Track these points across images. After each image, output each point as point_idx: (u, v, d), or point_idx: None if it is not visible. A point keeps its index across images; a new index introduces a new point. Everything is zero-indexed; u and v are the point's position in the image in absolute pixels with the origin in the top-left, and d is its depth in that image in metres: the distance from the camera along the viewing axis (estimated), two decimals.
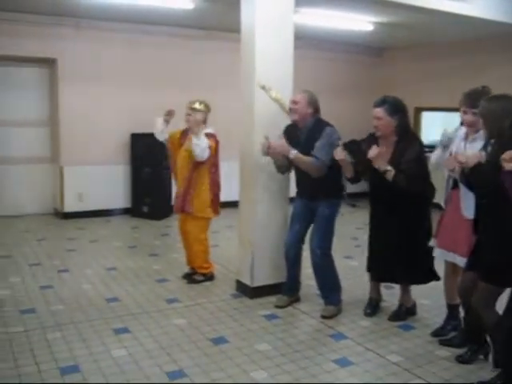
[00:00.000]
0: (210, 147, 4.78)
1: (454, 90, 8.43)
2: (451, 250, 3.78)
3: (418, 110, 9.40)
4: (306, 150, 4.15)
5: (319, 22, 7.22)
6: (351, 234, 7.20)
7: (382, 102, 3.99)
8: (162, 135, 5.12)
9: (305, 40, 8.65)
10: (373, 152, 3.84)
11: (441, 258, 3.95)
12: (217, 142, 4.94)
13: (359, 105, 8.84)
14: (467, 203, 3.57)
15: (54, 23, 7.27)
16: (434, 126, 9.47)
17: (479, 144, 3.48)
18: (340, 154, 3.99)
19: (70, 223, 7.50)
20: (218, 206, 5.10)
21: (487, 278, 3.17)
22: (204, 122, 4.94)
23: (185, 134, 5.03)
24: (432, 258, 4.08)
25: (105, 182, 7.93)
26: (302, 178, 4.37)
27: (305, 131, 4.28)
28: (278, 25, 4.51)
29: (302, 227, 4.45)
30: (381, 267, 4.31)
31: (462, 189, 3.57)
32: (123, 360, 3.55)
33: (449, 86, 8.68)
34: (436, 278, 4.22)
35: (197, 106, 4.90)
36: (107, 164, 7.94)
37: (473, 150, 3.40)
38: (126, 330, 4.02)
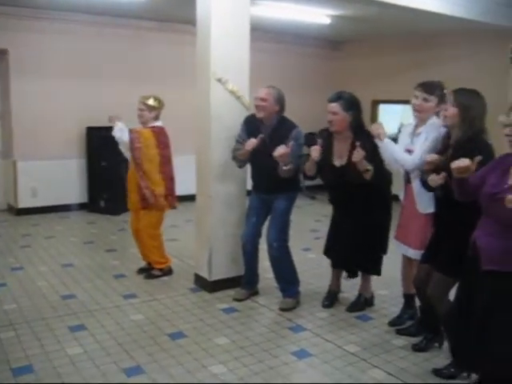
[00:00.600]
0: (136, 131, 4.73)
1: (411, 83, 8.62)
2: (405, 242, 3.83)
3: (375, 103, 9.51)
4: (269, 147, 4.09)
5: (276, 14, 7.19)
6: (310, 227, 7.25)
7: (337, 98, 3.99)
8: (123, 145, 4.95)
9: (261, 32, 8.63)
10: (359, 154, 3.77)
11: (397, 250, 4.01)
12: (159, 133, 4.85)
13: (317, 98, 8.77)
14: (420, 198, 3.63)
15: (4, 13, 7.03)
16: (393, 119, 9.62)
17: (422, 137, 3.56)
18: (316, 153, 4.01)
19: (24, 219, 7.31)
20: (174, 199, 5.05)
21: (443, 269, 3.23)
22: (157, 118, 4.87)
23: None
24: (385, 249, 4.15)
25: (60, 177, 7.75)
26: (259, 172, 4.36)
27: (269, 128, 4.23)
28: (235, 16, 4.48)
29: (259, 220, 4.44)
30: (341, 255, 4.32)
31: (416, 185, 3.62)
32: (78, 358, 3.48)
33: (405, 79, 8.78)
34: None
35: (151, 102, 4.82)
36: (62, 158, 7.76)
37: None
38: (82, 328, 3.94)
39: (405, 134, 3.84)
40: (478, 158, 2.70)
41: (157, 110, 4.84)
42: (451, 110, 3.19)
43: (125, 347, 3.65)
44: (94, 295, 4.60)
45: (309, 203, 8.95)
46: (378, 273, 4.31)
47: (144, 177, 4.81)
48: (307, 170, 4.20)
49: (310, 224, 7.42)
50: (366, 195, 4.04)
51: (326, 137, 4.13)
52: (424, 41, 8.58)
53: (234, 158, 4.42)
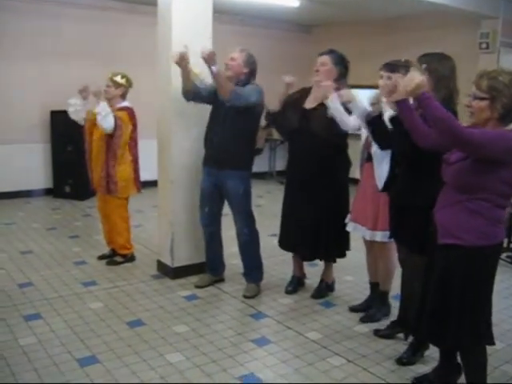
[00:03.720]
0: (119, 118, 4.59)
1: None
2: (362, 223, 3.78)
3: (347, 87, 9.44)
4: (228, 108, 3.99)
5: None
6: (279, 212, 7.14)
7: (329, 51, 4.05)
8: (76, 114, 4.85)
9: (230, 15, 8.51)
10: (327, 82, 3.79)
11: (354, 232, 3.96)
12: (132, 116, 4.73)
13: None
14: (380, 175, 3.56)
15: None
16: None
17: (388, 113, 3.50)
18: (290, 79, 4.04)
19: None
20: (140, 182, 4.93)
21: (413, 249, 3.21)
22: (123, 96, 4.73)
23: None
24: (346, 233, 4.08)
25: (23, 162, 7.51)
26: (215, 134, 4.13)
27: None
28: None
29: (213, 208, 4.31)
30: (293, 240, 4.24)
31: (376, 160, 3.57)
32: (31, 348, 3.37)
33: (376, 64, 8.74)
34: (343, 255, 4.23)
35: (118, 79, 4.68)
36: (25, 142, 7.53)
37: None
38: (37, 317, 3.82)
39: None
40: (424, 66, 2.66)
41: (124, 87, 4.70)
42: (382, 81, 3.15)
43: (81, 336, 3.55)
44: (53, 283, 4.47)
45: (279, 188, 8.82)
46: (343, 255, 4.23)
47: (115, 162, 4.68)
48: (269, 116, 4.18)
49: (279, 210, 7.31)
50: (327, 158, 3.97)
51: (304, 91, 4.16)
52: (394, 25, 8.53)
53: (183, 88, 4.17)
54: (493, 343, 2.76)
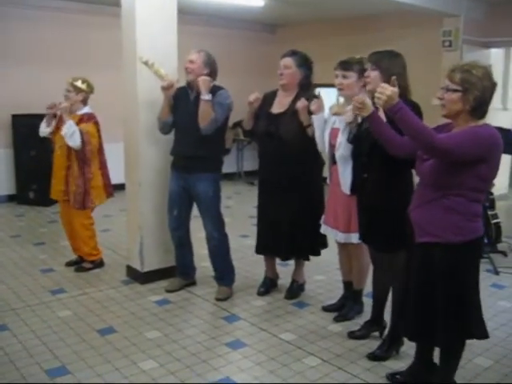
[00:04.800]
0: (86, 133, 4.47)
1: None
2: (333, 226, 3.78)
3: (313, 86, 9.46)
4: (196, 112, 3.94)
5: None
6: (248, 213, 7.13)
7: (292, 53, 4.02)
8: (45, 131, 4.72)
9: (194, 15, 8.45)
10: (301, 103, 3.79)
11: (326, 234, 3.96)
12: (96, 123, 4.62)
13: (252, 82, 8.69)
14: (344, 178, 3.57)
15: None
16: (327, 103, 9.63)
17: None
18: (254, 96, 3.99)
19: None
20: (111, 187, 4.83)
21: (384, 250, 3.22)
22: (84, 102, 4.63)
23: (61, 117, 4.68)
24: (319, 234, 4.06)
25: None
26: (183, 138, 4.08)
27: (195, 93, 4.02)
28: None
29: (181, 212, 4.24)
30: (269, 240, 4.20)
31: (341, 164, 3.57)
32: None
33: None
34: (316, 252, 4.20)
35: (79, 83, 4.57)
36: None
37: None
38: (3, 328, 3.70)
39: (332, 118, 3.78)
40: (393, 78, 2.62)
41: (84, 92, 4.59)
42: (371, 73, 3.15)
43: (49, 346, 3.45)
44: (19, 292, 4.34)
45: (248, 189, 8.85)
46: (318, 253, 4.21)
47: (84, 172, 4.58)
48: (244, 123, 4.16)
49: (249, 210, 7.29)
50: (299, 161, 3.95)
51: (270, 95, 4.12)
52: (359, 24, 8.59)
53: (158, 119, 4.19)
54: (486, 336, 2.73)
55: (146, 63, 4.17)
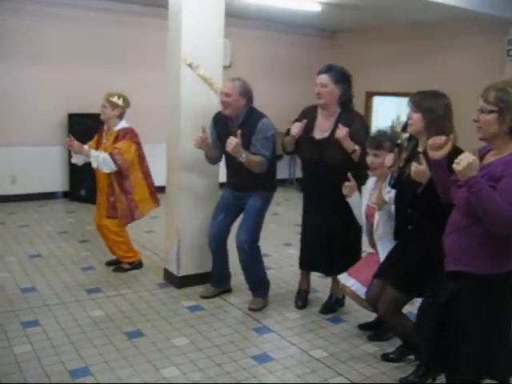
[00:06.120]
0: (118, 153, 4.46)
1: (407, 74, 8.43)
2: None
3: (370, 95, 9.25)
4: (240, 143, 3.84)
5: (264, 1, 6.91)
6: (295, 221, 6.96)
7: (327, 69, 3.82)
8: (78, 162, 4.85)
9: (251, 20, 8.42)
10: (341, 132, 3.63)
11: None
12: (133, 136, 4.61)
13: (308, 88, 8.60)
14: (383, 250, 3.40)
15: None
16: (388, 112, 9.39)
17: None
18: (296, 128, 3.83)
19: (1, 207, 7.06)
20: (157, 195, 4.83)
21: (399, 286, 3.06)
22: (120, 117, 4.62)
23: (101, 133, 4.72)
24: (360, 249, 3.91)
25: (41, 164, 7.51)
26: (235, 170, 4.04)
27: (237, 123, 3.95)
28: (207, 0, 4.22)
29: (227, 218, 4.17)
30: (312, 256, 4.11)
31: (380, 245, 3.43)
32: (25, 357, 3.28)
33: (401, 71, 8.58)
34: None
35: (115, 99, 4.56)
36: (43, 145, 7.51)
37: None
38: (35, 324, 3.74)
39: (368, 189, 3.61)
40: (451, 136, 2.45)
41: (120, 108, 4.57)
42: (414, 116, 2.96)
43: (76, 346, 3.45)
44: (56, 288, 4.39)
45: (298, 196, 8.61)
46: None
47: (125, 187, 4.60)
48: (285, 145, 4.02)
49: (296, 218, 7.10)
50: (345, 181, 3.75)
51: (310, 113, 3.95)
52: (418, 31, 8.32)
53: (206, 156, 4.19)
54: (506, 382, 2.56)
55: (190, 65, 4.16)
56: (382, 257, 3.36)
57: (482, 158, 2.45)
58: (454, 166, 2.24)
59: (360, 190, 3.62)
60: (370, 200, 3.45)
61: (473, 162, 2.19)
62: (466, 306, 2.43)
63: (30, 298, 4.16)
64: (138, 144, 4.65)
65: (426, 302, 2.76)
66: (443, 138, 2.47)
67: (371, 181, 3.60)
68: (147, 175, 4.77)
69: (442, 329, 2.51)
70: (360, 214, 3.61)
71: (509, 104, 2.24)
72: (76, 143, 4.55)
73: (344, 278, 3.61)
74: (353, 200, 3.59)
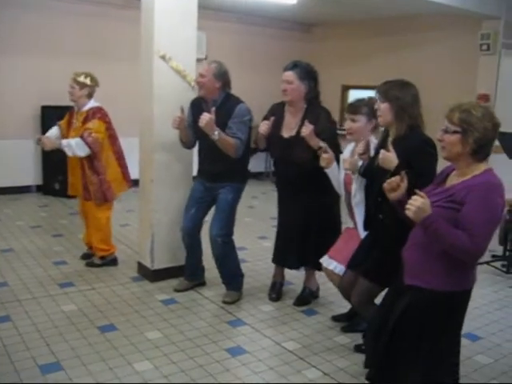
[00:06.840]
0: (89, 135, 4.36)
1: (382, 68, 8.47)
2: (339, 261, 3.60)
3: (345, 88, 9.27)
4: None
5: None
6: (271, 214, 6.97)
7: (293, 66, 3.81)
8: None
9: (227, 12, 8.37)
10: (306, 129, 3.62)
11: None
12: (103, 115, 4.53)
13: None
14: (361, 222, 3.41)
15: None
16: None
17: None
18: (264, 127, 3.84)
19: None
20: (129, 175, 4.77)
21: (371, 277, 3.08)
22: (89, 96, 4.55)
23: (72, 113, 4.66)
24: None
25: (13, 158, 7.35)
26: (208, 154, 4.04)
27: (215, 107, 3.91)
28: None
29: (199, 212, 4.15)
30: (284, 252, 4.13)
31: (358, 211, 3.44)
32: None
33: (377, 65, 8.61)
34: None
35: (82, 78, 4.48)
36: (16, 138, 7.36)
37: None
38: (6, 319, 3.68)
39: (346, 158, 3.60)
40: (402, 173, 2.44)
41: (88, 87, 4.50)
42: (381, 106, 2.98)
43: (48, 341, 3.40)
44: (28, 283, 4.33)
45: (274, 189, 8.65)
46: None
47: (96, 167, 4.53)
48: (258, 142, 4.02)
49: (272, 211, 7.11)
50: (315, 177, 3.77)
51: (278, 110, 3.95)
52: (395, 25, 8.38)
53: (180, 139, 4.17)
54: None
55: (163, 57, 4.12)
56: (360, 222, 3.38)
57: (446, 176, 2.46)
58: (406, 212, 2.27)
59: (338, 161, 3.64)
60: (343, 163, 3.47)
61: (422, 206, 2.21)
62: (412, 321, 2.42)
63: (1, 294, 4.10)
64: (109, 123, 4.58)
65: (382, 311, 2.71)
66: (397, 177, 2.45)
67: (348, 148, 3.62)
68: (120, 155, 4.70)
69: (391, 339, 2.49)
70: (339, 183, 3.62)
71: (472, 126, 2.23)
72: (47, 141, 4.46)
73: (326, 261, 3.63)
74: (332, 171, 3.60)
